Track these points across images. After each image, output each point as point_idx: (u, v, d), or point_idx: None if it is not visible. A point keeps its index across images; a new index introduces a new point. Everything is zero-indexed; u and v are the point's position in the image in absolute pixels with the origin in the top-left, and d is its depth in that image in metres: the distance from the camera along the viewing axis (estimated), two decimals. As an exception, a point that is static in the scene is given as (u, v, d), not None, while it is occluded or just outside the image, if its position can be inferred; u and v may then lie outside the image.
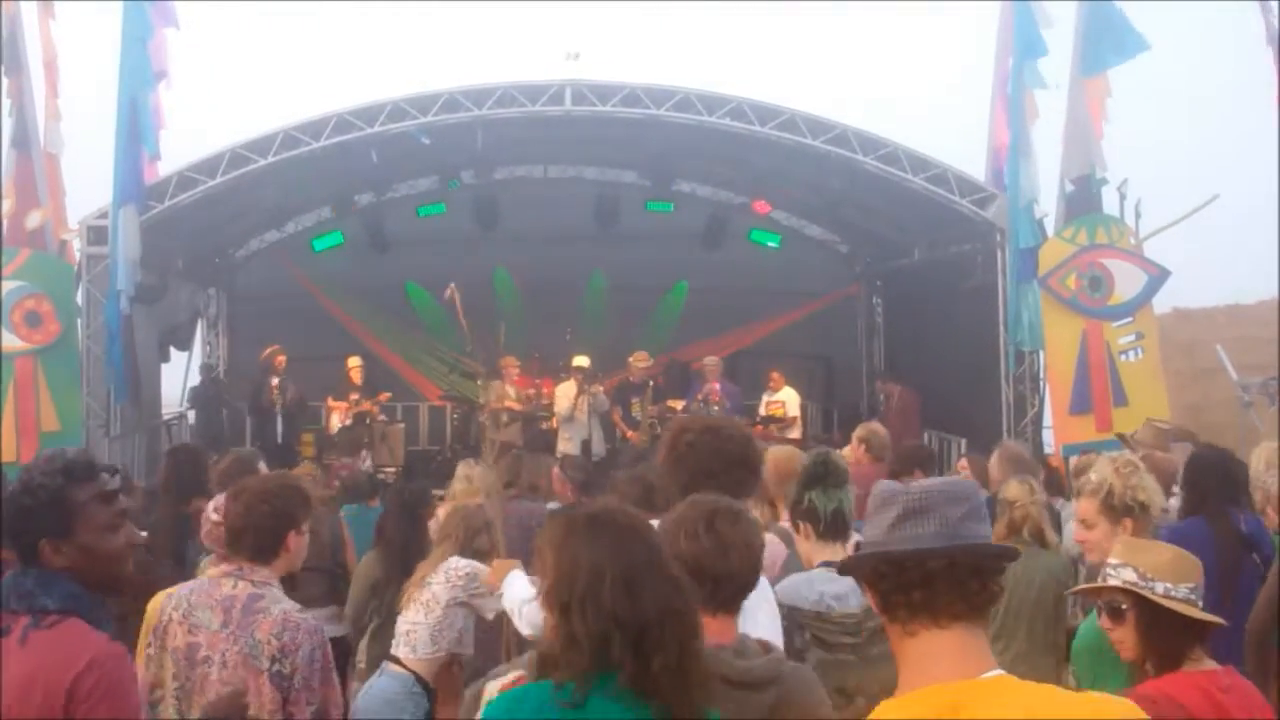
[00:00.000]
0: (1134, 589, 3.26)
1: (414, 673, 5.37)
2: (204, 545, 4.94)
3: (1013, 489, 5.70)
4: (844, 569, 2.15)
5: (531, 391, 15.48)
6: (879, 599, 2.04)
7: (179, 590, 3.97)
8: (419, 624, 5.42)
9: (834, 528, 4.04)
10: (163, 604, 3.92)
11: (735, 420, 4.46)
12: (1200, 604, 3.28)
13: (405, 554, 6.39)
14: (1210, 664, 3.25)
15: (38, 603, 2.68)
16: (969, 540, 1.97)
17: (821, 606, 3.81)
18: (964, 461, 8.67)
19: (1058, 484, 8.25)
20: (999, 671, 1.93)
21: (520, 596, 4.53)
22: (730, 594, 2.93)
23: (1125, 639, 3.33)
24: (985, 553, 1.99)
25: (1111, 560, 3.38)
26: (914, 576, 1.95)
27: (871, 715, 1.93)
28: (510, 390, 15.25)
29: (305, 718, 3.74)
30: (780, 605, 3.76)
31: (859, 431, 8.36)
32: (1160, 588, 3.21)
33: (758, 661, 2.85)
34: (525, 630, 4.53)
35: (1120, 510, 4.23)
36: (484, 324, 15.88)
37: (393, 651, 5.53)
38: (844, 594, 3.84)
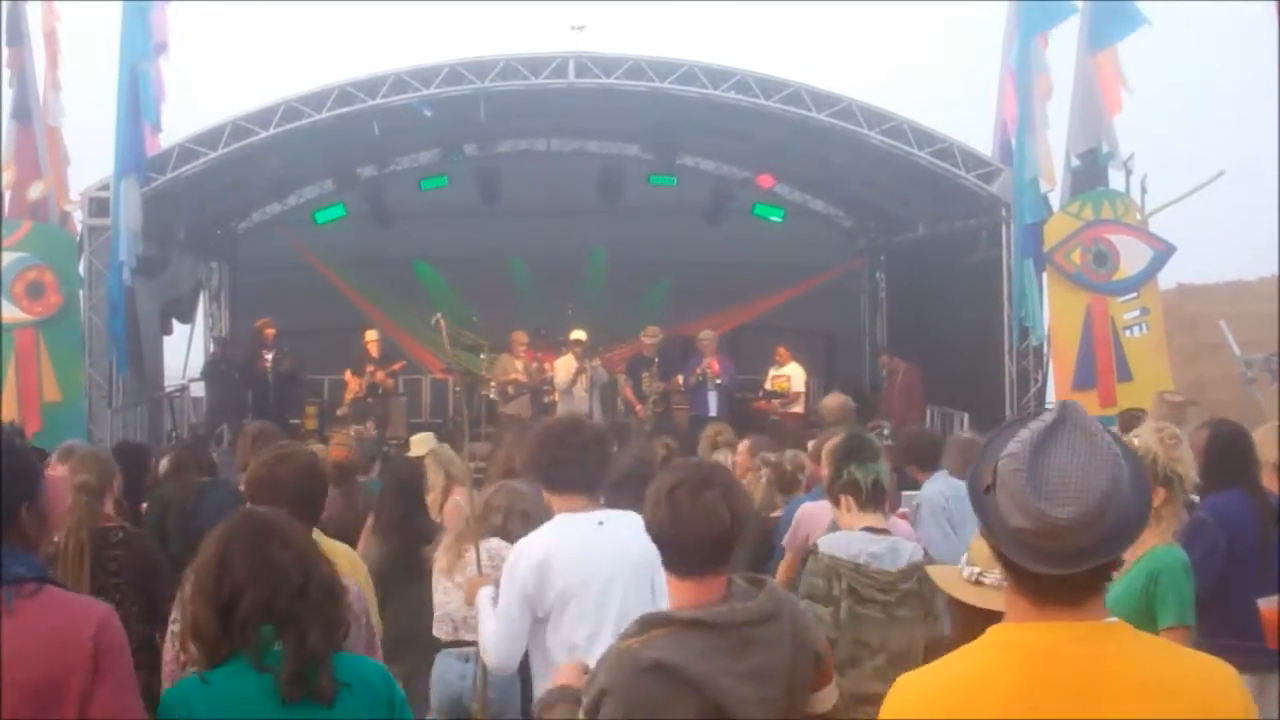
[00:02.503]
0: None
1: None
2: None
3: None
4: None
5: (535, 365, 15.46)
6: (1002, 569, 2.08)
7: None
8: (453, 604, 5.44)
9: (874, 497, 4.35)
10: None
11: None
12: None
13: (404, 534, 6.27)
14: None
15: (12, 572, 2.68)
16: (1089, 561, 2.00)
17: (860, 560, 4.03)
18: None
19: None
20: None
21: (485, 630, 4.22)
22: (697, 561, 2.92)
23: None
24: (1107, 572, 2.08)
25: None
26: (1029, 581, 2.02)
27: None
28: (518, 364, 15.22)
29: None
30: (822, 555, 4.15)
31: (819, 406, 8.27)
32: (968, 572, 2.91)
33: (760, 598, 2.87)
34: (489, 660, 4.23)
35: (1159, 479, 4.24)
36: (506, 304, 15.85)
37: (434, 631, 5.58)
38: (882, 555, 4.09)
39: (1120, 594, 4.24)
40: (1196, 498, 5.11)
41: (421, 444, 9.05)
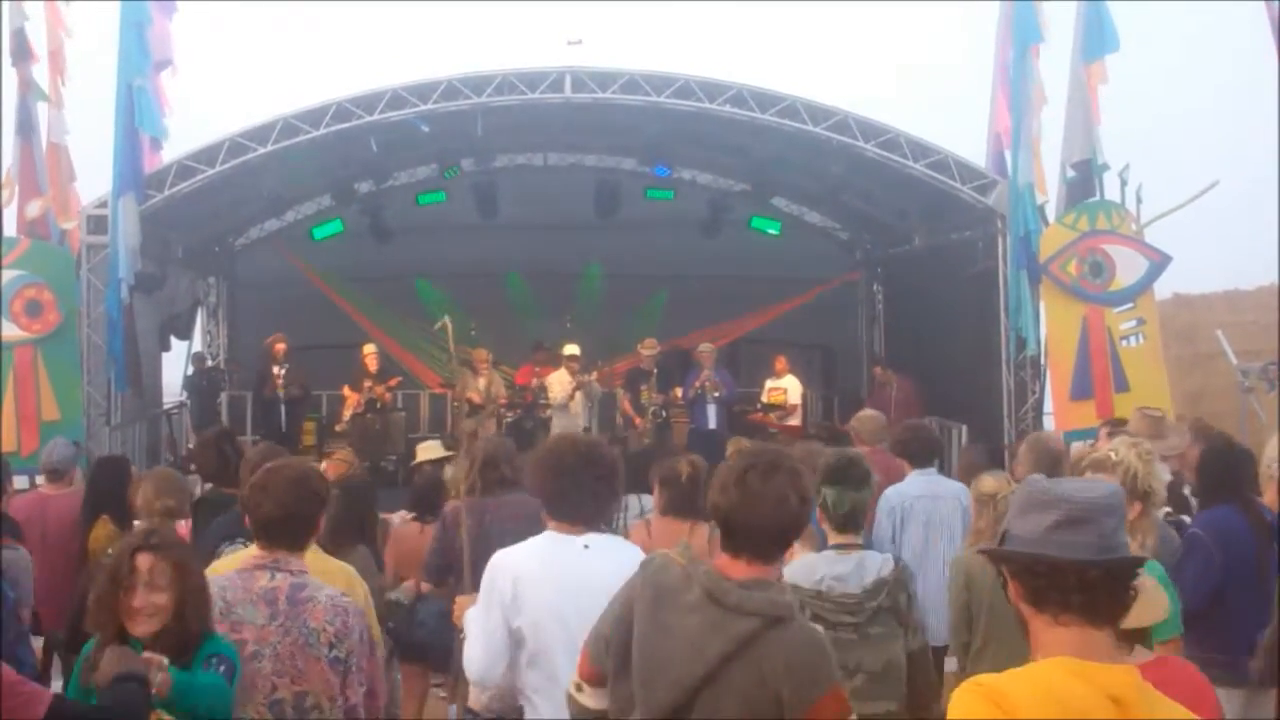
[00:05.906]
0: None
1: None
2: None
3: (987, 482, 5.37)
4: (994, 558, 2.32)
5: (535, 382, 15.44)
6: (1029, 592, 2.20)
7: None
8: None
9: (849, 521, 4.26)
10: None
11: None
12: None
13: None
14: None
15: None
16: (1122, 552, 2.17)
17: (822, 586, 3.96)
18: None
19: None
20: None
21: (469, 646, 3.94)
22: (759, 544, 2.98)
23: None
24: (1134, 565, 2.20)
25: None
26: (1073, 581, 2.13)
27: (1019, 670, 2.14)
28: (480, 383, 15.15)
29: (358, 699, 3.79)
30: (785, 584, 3.93)
31: (852, 421, 8.23)
32: None
33: (756, 594, 2.88)
34: (470, 671, 3.93)
35: (1137, 494, 4.27)
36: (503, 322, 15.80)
37: None
38: (845, 576, 4.03)
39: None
40: (1166, 510, 5.13)
41: (428, 451, 9.05)
